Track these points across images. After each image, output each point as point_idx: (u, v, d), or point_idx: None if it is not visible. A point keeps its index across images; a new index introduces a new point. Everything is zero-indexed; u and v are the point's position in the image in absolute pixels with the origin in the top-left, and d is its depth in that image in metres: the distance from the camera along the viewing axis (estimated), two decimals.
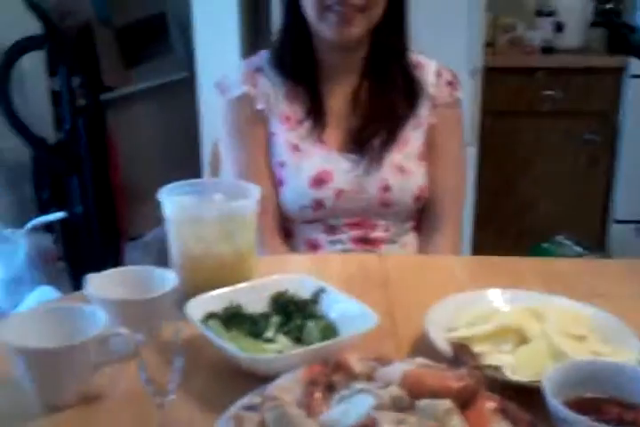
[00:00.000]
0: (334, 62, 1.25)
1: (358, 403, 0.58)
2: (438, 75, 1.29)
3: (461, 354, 0.70)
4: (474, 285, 0.92)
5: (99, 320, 0.69)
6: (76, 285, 2.50)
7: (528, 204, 2.72)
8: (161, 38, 3.02)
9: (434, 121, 1.28)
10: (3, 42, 2.38)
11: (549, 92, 2.61)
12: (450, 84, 1.30)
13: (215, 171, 1.41)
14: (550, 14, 2.75)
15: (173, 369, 0.63)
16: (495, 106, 2.56)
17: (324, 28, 1.18)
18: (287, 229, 1.28)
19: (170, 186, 0.89)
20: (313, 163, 1.22)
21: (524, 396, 0.64)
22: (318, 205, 1.22)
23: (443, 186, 1.28)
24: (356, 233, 1.25)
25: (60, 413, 0.68)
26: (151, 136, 3.04)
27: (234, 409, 0.62)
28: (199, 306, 0.79)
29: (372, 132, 1.23)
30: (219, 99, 1.29)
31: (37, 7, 2.33)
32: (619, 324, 0.78)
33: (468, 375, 0.59)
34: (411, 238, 1.30)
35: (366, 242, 1.25)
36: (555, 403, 0.59)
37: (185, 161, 2.68)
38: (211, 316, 0.78)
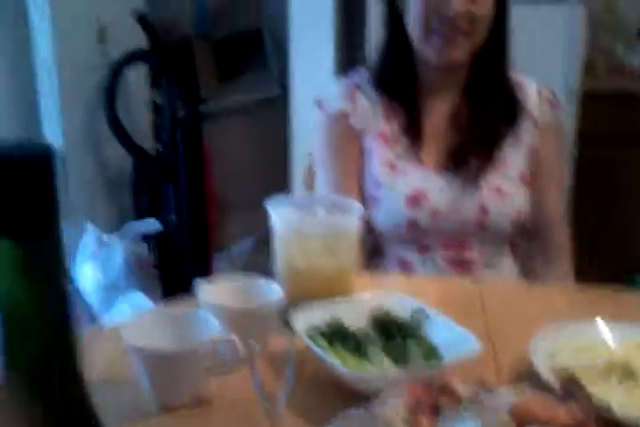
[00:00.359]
0: (434, 82, 1.26)
1: (466, 424, 0.58)
2: (539, 94, 1.29)
3: (571, 388, 0.69)
4: (573, 314, 0.90)
5: (212, 326, 0.72)
6: (166, 292, 2.59)
7: (627, 233, 2.63)
8: (256, 54, 3.11)
9: (536, 144, 1.27)
10: (112, 54, 2.51)
11: None
12: (550, 102, 1.29)
13: (309, 185, 1.43)
14: None
15: (285, 377, 0.65)
16: (593, 133, 2.50)
17: (428, 50, 1.20)
18: (377, 247, 1.29)
19: (275, 199, 0.92)
20: (409, 181, 1.23)
21: None
22: (413, 224, 1.22)
23: (550, 213, 1.27)
24: (449, 254, 1.24)
25: (173, 414, 0.71)
26: (243, 149, 3.12)
27: (338, 421, 0.63)
28: (303, 319, 0.81)
29: (470, 151, 1.23)
30: (316, 114, 1.31)
31: (145, 22, 2.45)
32: None
33: (580, 411, 0.58)
34: (507, 262, 1.28)
35: (460, 264, 1.25)
36: None
37: (274, 175, 2.74)
38: (314, 330, 0.80)
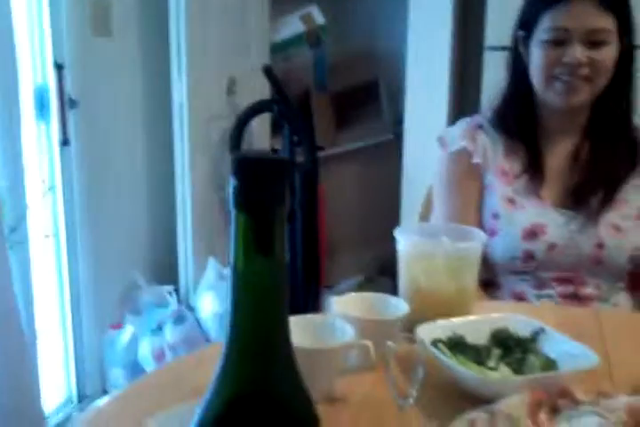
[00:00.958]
0: (555, 124, 1.33)
1: (585, 423, 0.64)
2: None
3: None
4: None
5: (347, 332, 0.81)
6: None
7: None
8: (371, 103, 3.26)
9: None
10: (239, 104, 2.72)
11: None
12: None
13: (425, 219, 1.51)
14: None
15: (415, 377, 0.73)
16: None
17: (550, 96, 1.27)
18: (492, 280, 1.34)
19: (403, 227, 1.01)
20: (527, 215, 1.28)
21: None
22: (529, 257, 1.27)
23: None
24: (565, 289, 1.28)
25: None
26: (354, 192, 3.26)
27: (468, 415, 0.70)
28: (426, 332, 0.88)
29: (590, 190, 1.28)
30: (439, 151, 1.40)
31: (271, 74, 2.65)
32: None
33: None
34: (623, 298, 1.31)
35: (576, 298, 1.28)
36: None
37: (383, 216, 2.84)
38: (437, 341, 0.87)
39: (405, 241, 0.99)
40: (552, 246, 1.26)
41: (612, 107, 1.31)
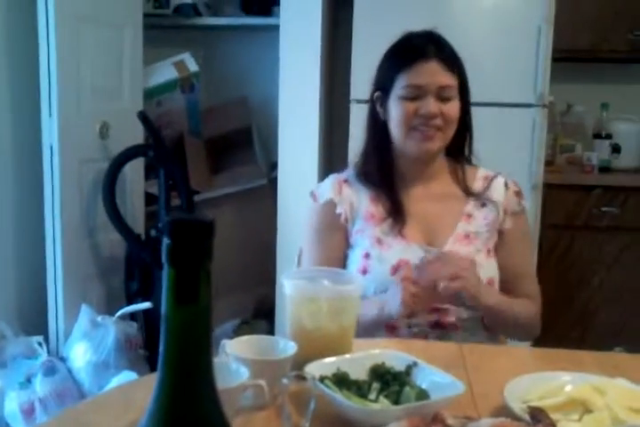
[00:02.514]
0: (412, 171, 1.50)
1: None
2: (506, 186, 1.51)
3: (537, 414, 0.84)
4: (542, 370, 1.05)
5: (242, 373, 0.87)
6: (153, 371, 2.66)
7: (587, 314, 2.81)
8: (245, 148, 3.34)
9: (503, 227, 1.48)
10: (114, 148, 2.71)
11: (607, 209, 2.78)
12: (517, 194, 1.51)
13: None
14: (608, 137, 2.97)
15: (307, 410, 0.79)
16: (554, 220, 2.73)
17: (410, 145, 1.44)
18: None
19: (288, 273, 1.09)
20: (394, 253, 1.42)
21: None
22: None
23: (518, 264, 1.48)
24: (432, 317, 1.40)
25: None
26: (231, 237, 3.30)
27: None
28: (314, 370, 0.95)
29: (441, 228, 1.45)
30: (309, 202, 1.53)
31: (146, 119, 2.67)
32: None
33: None
34: (481, 327, 1.44)
35: (440, 326, 1.40)
36: None
37: (260, 262, 2.90)
38: (324, 378, 0.94)
39: (290, 285, 1.06)
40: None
41: (458, 153, 1.51)
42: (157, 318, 2.05)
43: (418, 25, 1.47)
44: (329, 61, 2.89)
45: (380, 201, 1.48)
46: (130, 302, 2.76)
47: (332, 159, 2.99)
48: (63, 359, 2.50)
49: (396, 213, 1.45)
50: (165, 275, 0.44)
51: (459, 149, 1.52)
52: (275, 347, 1.00)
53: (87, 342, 2.49)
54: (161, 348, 0.44)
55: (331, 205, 1.48)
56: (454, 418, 0.81)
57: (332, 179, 1.53)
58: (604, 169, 2.92)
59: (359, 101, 2.50)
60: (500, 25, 2.49)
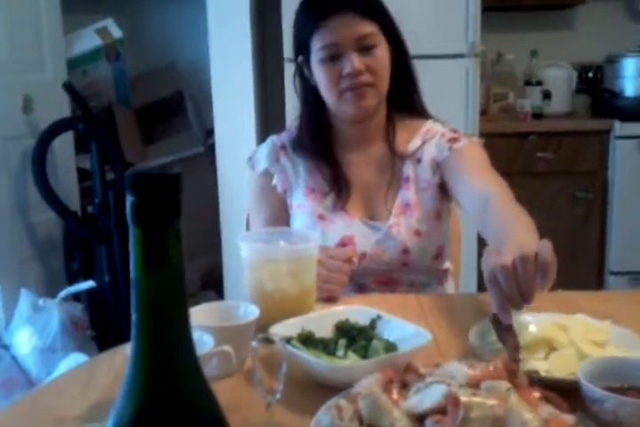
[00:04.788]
0: (351, 135, 1.41)
1: (433, 391, 0.72)
2: (442, 136, 1.41)
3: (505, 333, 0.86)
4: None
5: (206, 341, 0.84)
6: (103, 350, 2.60)
7: None
8: (178, 115, 3.25)
9: (438, 179, 1.39)
10: (40, 122, 2.59)
11: (542, 154, 2.83)
12: (451, 140, 1.40)
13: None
14: (538, 84, 3.00)
15: (279, 372, 0.77)
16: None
17: (344, 107, 1.34)
18: None
19: (243, 235, 1.06)
20: (337, 229, 1.37)
21: (558, 393, 0.79)
22: None
23: (482, 187, 1.28)
24: (383, 290, 1.38)
25: None
26: None
27: (330, 402, 0.76)
28: (278, 331, 0.93)
29: (385, 199, 1.39)
30: (248, 171, 1.47)
31: (73, 90, 2.56)
32: (631, 334, 0.93)
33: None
34: (434, 290, 1.42)
35: (386, 284, 1.39)
36: (590, 386, 0.74)
37: (204, 231, 2.85)
38: (289, 339, 0.92)
39: (247, 248, 1.03)
40: (362, 255, 1.35)
41: (407, 103, 1.43)
42: (102, 297, 1.99)
43: None
44: (259, 20, 2.81)
45: (319, 173, 1.40)
46: (72, 283, 2.68)
47: (269, 121, 2.94)
48: (6, 347, 2.42)
49: (339, 187, 1.38)
50: (132, 236, 0.41)
51: (403, 102, 1.42)
52: (235, 312, 0.97)
53: (30, 328, 2.41)
54: (133, 315, 0.41)
55: (266, 175, 1.43)
56: (426, 367, 0.81)
57: (269, 144, 1.45)
58: (537, 115, 2.97)
59: (292, 60, 2.44)
60: None
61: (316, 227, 1.37)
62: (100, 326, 2.66)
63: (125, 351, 0.85)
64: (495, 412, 0.65)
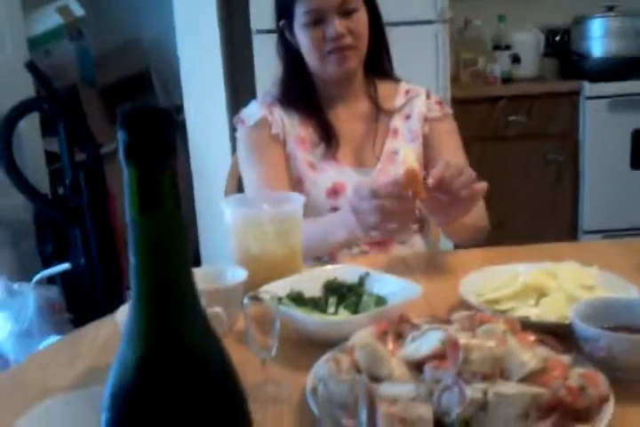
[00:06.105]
0: (335, 94, 1.46)
1: (429, 338, 0.72)
2: (428, 97, 1.50)
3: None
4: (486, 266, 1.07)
5: None
6: None
7: (501, 220, 2.90)
8: (145, 93, 3.19)
9: (427, 132, 1.46)
10: (2, 104, 2.52)
11: (513, 118, 2.84)
12: (439, 103, 1.50)
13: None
14: (507, 48, 3.01)
15: (273, 329, 0.77)
16: (465, 134, 2.76)
17: (327, 69, 1.39)
18: None
19: (227, 199, 1.04)
20: (328, 176, 1.41)
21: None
22: (334, 211, 1.37)
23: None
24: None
25: None
26: None
27: (327, 355, 0.76)
28: (267, 292, 0.92)
29: (373, 147, 1.44)
30: (238, 130, 1.46)
31: (38, 72, 2.49)
32: (619, 278, 0.94)
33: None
34: (417, 240, 1.47)
35: (378, 244, 1.41)
36: (584, 325, 0.74)
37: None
38: (280, 298, 0.92)
39: (232, 212, 1.02)
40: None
41: (376, 69, 1.47)
42: (78, 279, 1.95)
43: None
44: None
45: (309, 124, 1.44)
46: (46, 266, 2.64)
47: (239, 95, 2.90)
48: None
49: (329, 138, 1.43)
50: (126, 177, 0.39)
51: (377, 65, 1.48)
52: (223, 276, 0.96)
53: (6, 312, 2.37)
54: (132, 259, 0.40)
55: (264, 124, 1.43)
56: (419, 318, 0.81)
57: (259, 101, 1.48)
58: (507, 80, 2.97)
59: (260, 31, 2.41)
60: None
61: (305, 176, 1.40)
62: (76, 309, 2.63)
63: (116, 316, 0.84)
64: (494, 353, 0.65)
